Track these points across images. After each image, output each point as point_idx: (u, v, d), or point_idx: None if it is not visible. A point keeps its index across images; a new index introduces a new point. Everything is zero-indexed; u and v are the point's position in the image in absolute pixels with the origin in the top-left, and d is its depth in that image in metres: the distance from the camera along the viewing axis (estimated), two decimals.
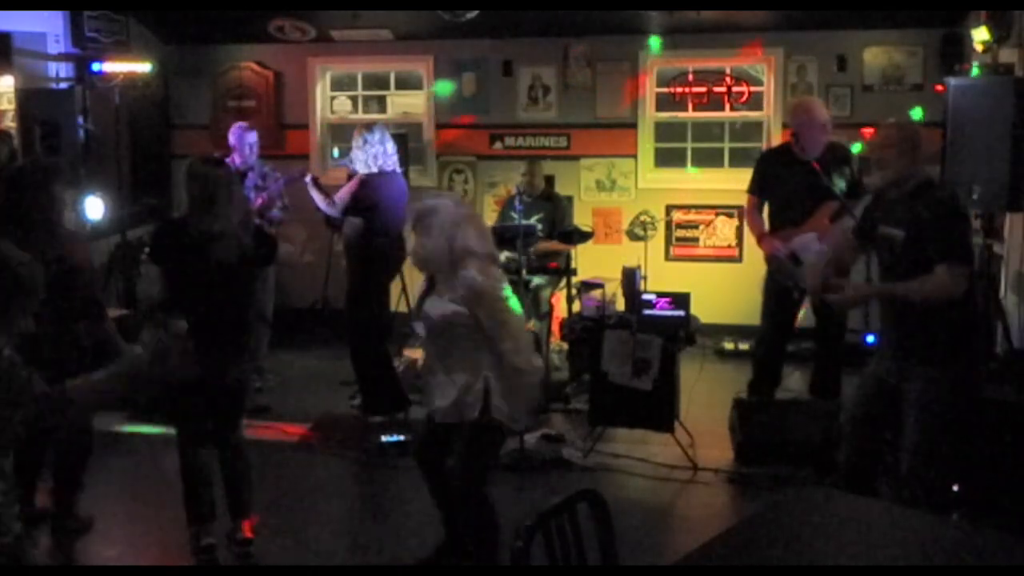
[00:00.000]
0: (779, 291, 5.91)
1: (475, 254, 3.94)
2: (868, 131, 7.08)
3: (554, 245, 7.01)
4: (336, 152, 8.63)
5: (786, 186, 5.87)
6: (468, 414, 4.00)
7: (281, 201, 7.01)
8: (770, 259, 5.91)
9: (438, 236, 3.92)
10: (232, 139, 7.01)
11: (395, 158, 6.30)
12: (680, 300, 6.62)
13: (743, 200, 6.29)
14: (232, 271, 4.32)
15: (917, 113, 7.21)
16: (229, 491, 4.56)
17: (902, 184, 4.05)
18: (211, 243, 4.28)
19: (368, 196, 6.11)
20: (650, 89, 8.28)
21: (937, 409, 3.99)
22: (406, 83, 8.90)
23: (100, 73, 7.41)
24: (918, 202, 3.99)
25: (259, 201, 6.83)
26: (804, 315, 6.26)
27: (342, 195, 6.20)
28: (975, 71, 6.19)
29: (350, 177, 6.32)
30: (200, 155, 5.03)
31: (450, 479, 4.14)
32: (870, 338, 5.91)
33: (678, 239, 8.30)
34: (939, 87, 7.40)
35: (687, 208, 8.26)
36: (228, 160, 7.03)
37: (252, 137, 7.00)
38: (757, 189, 6.08)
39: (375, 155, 6.15)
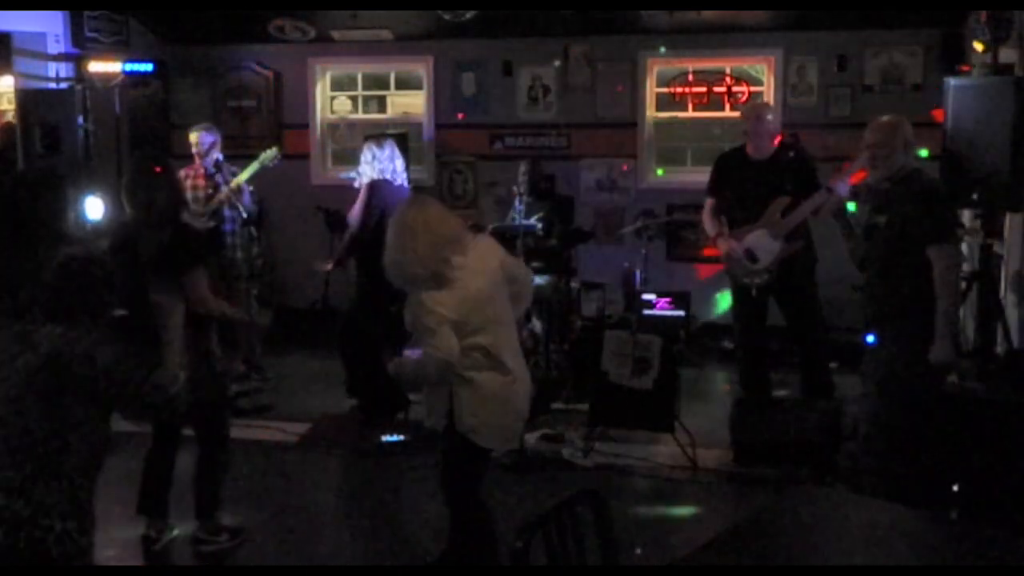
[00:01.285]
0: (741, 289, 5.97)
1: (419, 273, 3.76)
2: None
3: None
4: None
5: (741, 186, 5.95)
6: (438, 423, 3.91)
7: (250, 196, 6.92)
8: (727, 258, 5.96)
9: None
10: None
11: (404, 175, 6.27)
12: (680, 300, 6.63)
13: None
14: (154, 266, 4.30)
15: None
16: (194, 489, 4.62)
17: (893, 177, 4.42)
18: (132, 239, 4.34)
19: (379, 201, 6.01)
20: (650, 89, 8.29)
21: (893, 384, 4.33)
22: (406, 83, 8.90)
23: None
24: (901, 190, 4.36)
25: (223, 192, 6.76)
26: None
27: (355, 213, 6.13)
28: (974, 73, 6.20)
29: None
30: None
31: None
32: (870, 338, 5.90)
33: (678, 239, 8.29)
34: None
35: (687, 208, 8.25)
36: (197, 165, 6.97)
37: (204, 138, 6.91)
38: (714, 190, 6.12)
39: (382, 171, 6.10)
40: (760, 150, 5.88)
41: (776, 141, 6.02)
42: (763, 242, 5.79)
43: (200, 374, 4.34)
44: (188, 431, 4.65)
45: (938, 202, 4.38)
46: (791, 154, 5.84)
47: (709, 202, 6.15)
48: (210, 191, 6.80)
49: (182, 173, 6.93)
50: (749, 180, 5.90)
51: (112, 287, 3.16)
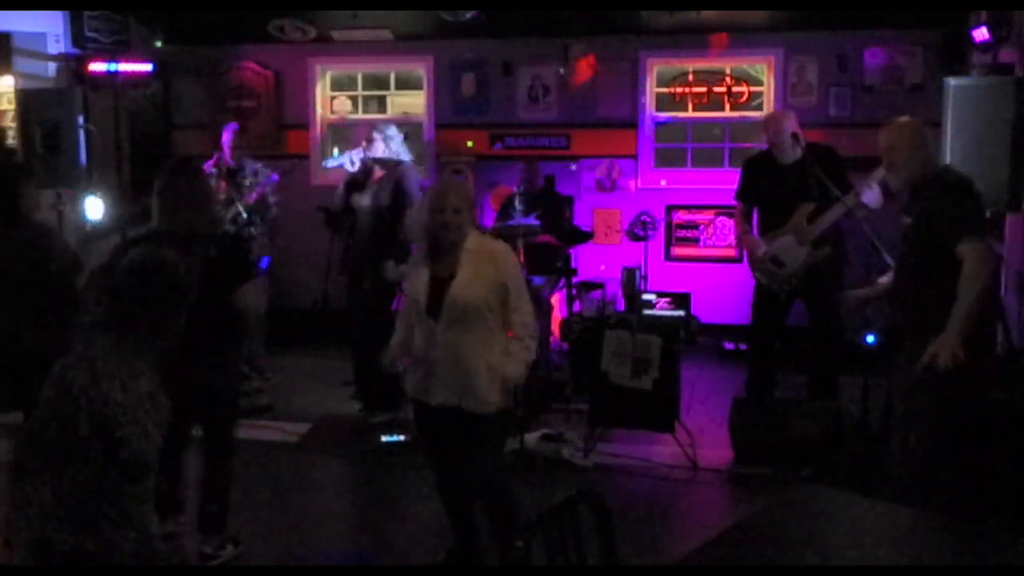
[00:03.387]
0: (765, 292, 5.97)
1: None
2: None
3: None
4: (336, 153, 8.66)
5: (769, 191, 5.94)
6: (493, 399, 3.95)
7: (274, 197, 6.99)
8: (752, 262, 5.96)
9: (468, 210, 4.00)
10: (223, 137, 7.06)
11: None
12: (680, 300, 6.64)
13: None
14: (204, 282, 4.18)
15: None
16: (200, 501, 4.51)
17: (917, 181, 4.10)
18: (175, 246, 4.19)
19: (410, 188, 6.02)
20: (650, 89, 8.29)
21: (941, 409, 3.96)
22: (406, 83, 8.91)
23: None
24: (928, 189, 4.04)
25: (253, 197, 6.82)
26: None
27: (373, 199, 6.12)
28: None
29: (365, 175, 6.22)
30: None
31: (472, 472, 4.05)
32: (870, 338, 5.91)
33: (678, 239, 8.30)
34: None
35: (687, 208, 8.26)
36: (217, 158, 7.03)
37: (225, 136, 6.99)
38: (743, 195, 6.12)
39: (397, 153, 6.14)
40: (784, 155, 5.87)
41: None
42: (789, 248, 5.79)
43: (221, 374, 4.38)
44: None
45: (963, 195, 3.99)
46: (817, 157, 5.79)
47: (739, 206, 6.19)
48: (236, 192, 6.84)
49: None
50: (776, 185, 5.88)
51: (181, 300, 2.99)
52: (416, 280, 4.06)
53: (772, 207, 5.94)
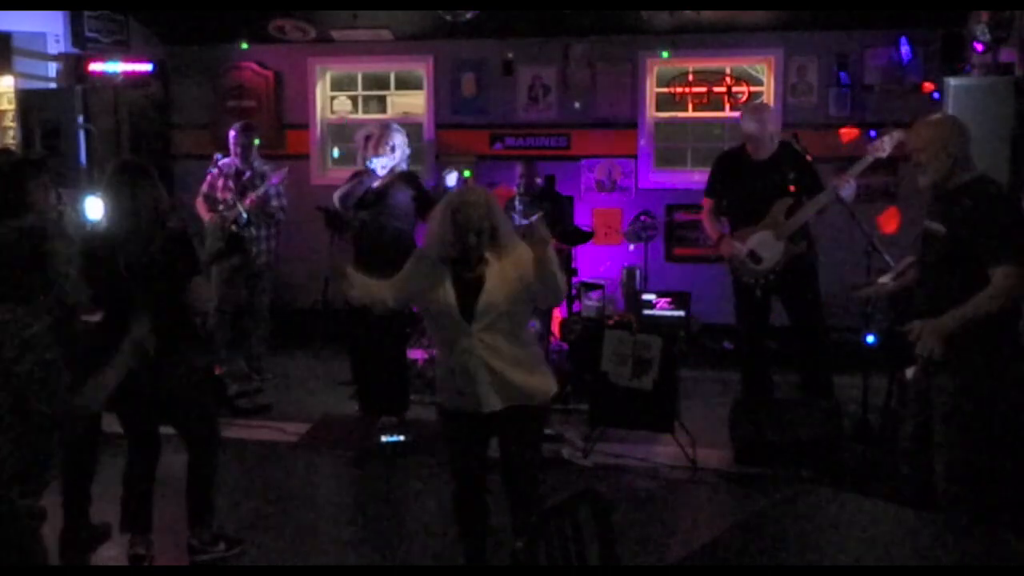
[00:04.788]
0: (744, 290, 5.98)
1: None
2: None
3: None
4: (336, 153, 8.68)
5: (743, 186, 5.94)
6: (546, 387, 3.96)
7: (279, 201, 7.00)
8: (730, 259, 5.96)
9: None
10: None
11: None
12: (680, 300, 6.64)
13: None
14: (140, 276, 4.17)
15: None
16: (186, 496, 4.51)
17: (945, 182, 3.91)
18: (119, 247, 4.20)
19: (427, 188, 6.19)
20: (650, 89, 8.29)
21: (965, 420, 3.86)
22: (406, 83, 8.91)
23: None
24: (965, 197, 3.84)
25: (248, 201, 6.83)
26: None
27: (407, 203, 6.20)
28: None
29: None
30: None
31: (519, 465, 3.97)
32: (870, 338, 5.91)
33: (678, 239, 8.29)
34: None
35: (687, 208, 8.25)
36: (228, 160, 7.06)
37: (231, 135, 7.02)
38: (714, 191, 6.12)
39: (405, 157, 6.20)
40: (760, 150, 5.89)
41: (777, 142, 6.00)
42: (767, 243, 5.81)
43: (180, 374, 4.32)
44: (168, 430, 4.54)
45: (1006, 212, 3.85)
46: (791, 153, 5.85)
47: (708, 203, 6.15)
48: (237, 194, 6.86)
49: (215, 170, 6.99)
50: (751, 180, 5.90)
51: (50, 267, 3.08)
52: (440, 287, 3.92)
53: (745, 203, 5.94)
